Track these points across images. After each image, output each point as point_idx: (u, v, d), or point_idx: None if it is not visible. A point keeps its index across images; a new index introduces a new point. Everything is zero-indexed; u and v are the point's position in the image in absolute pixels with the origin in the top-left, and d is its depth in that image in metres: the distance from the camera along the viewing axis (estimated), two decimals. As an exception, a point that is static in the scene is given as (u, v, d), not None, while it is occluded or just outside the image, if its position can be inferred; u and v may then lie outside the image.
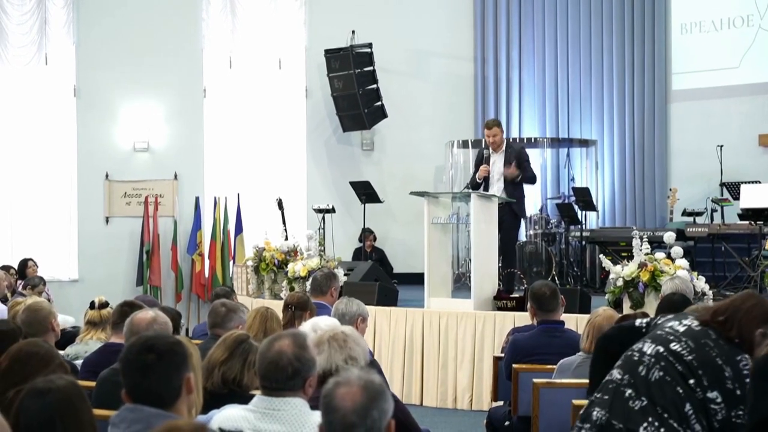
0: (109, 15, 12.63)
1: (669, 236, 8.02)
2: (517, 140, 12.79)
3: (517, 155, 9.05)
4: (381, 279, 9.39)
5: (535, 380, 4.59)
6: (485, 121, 9.43)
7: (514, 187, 9.00)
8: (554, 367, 4.82)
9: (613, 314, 4.66)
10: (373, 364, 3.90)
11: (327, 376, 3.41)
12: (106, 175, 12.61)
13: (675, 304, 4.87)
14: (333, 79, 12.44)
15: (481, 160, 9.13)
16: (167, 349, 2.70)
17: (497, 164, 9.06)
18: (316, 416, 2.98)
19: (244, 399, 3.59)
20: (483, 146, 9.40)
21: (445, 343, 8.26)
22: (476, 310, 8.17)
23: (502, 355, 5.57)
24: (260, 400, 3.03)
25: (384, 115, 12.62)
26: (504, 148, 9.11)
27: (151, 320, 3.81)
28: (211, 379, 3.64)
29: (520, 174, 8.97)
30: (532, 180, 9.27)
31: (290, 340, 3.00)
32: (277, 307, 5.54)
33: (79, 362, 4.91)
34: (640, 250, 7.66)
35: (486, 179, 9.02)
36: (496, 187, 9.01)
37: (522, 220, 9.91)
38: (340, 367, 3.40)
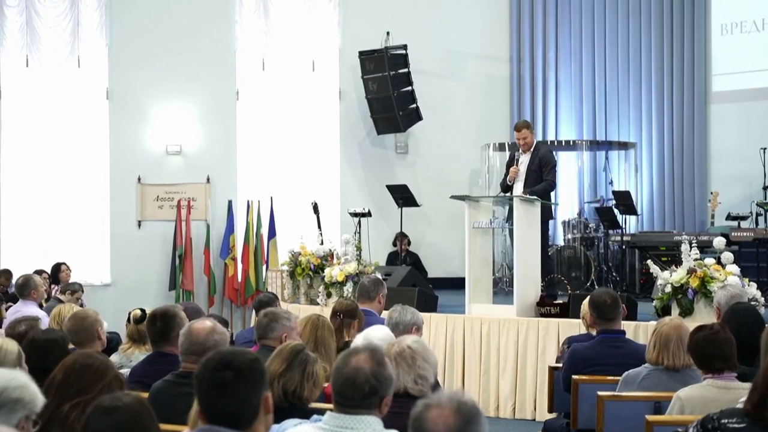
0: (141, 17, 12.55)
1: (719, 241, 7.79)
2: (555, 143, 12.58)
3: (541, 158, 8.98)
4: (419, 284, 9.23)
5: (599, 392, 4.41)
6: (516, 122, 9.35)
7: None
8: (615, 378, 4.64)
9: (680, 323, 4.46)
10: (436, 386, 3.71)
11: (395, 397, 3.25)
12: (139, 179, 12.53)
13: (743, 312, 4.69)
14: (367, 81, 12.28)
15: (512, 162, 9.12)
16: (246, 366, 2.53)
17: (524, 164, 9.05)
18: (391, 435, 2.82)
19: (305, 413, 3.45)
20: (516, 148, 9.36)
21: (486, 350, 8.10)
22: (519, 316, 8.01)
23: (558, 365, 5.39)
24: (332, 417, 2.87)
25: (419, 118, 12.43)
26: (533, 148, 9.07)
27: (209, 330, 3.67)
28: (271, 392, 3.49)
29: (530, 191, 8.71)
30: (544, 192, 8.84)
31: (368, 355, 2.83)
32: (310, 312, 5.41)
33: (123, 371, 4.79)
34: (689, 255, 7.47)
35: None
36: (519, 186, 8.94)
37: (549, 221, 9.50)
38: (410, 389, 3.25)
